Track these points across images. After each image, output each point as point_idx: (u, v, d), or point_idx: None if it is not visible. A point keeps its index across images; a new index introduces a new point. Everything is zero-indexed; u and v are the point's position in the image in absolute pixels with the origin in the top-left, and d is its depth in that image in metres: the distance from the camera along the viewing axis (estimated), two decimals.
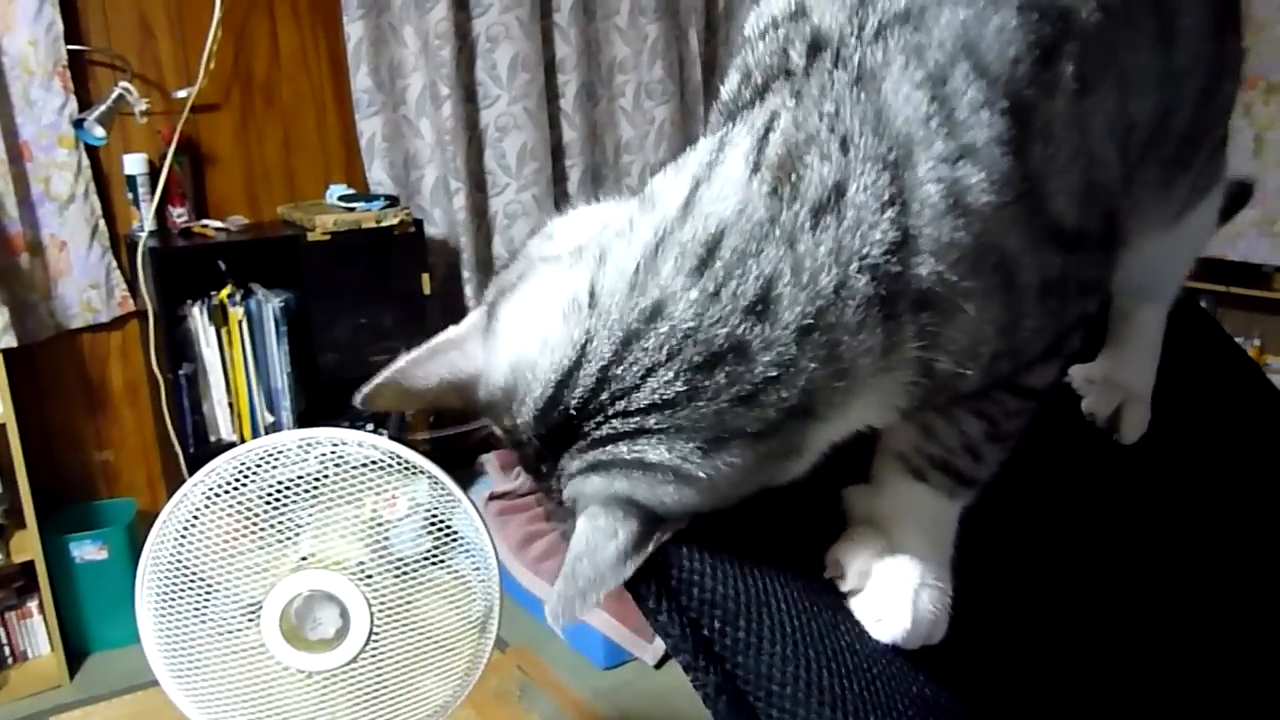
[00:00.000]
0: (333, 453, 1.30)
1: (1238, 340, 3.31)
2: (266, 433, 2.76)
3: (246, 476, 1.27)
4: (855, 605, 0.41)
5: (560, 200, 3.49)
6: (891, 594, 0.42)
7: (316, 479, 1.29)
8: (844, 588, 0.41)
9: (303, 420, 2.82)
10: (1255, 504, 0.72)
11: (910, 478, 0.46)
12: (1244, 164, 3.49)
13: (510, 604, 1.39)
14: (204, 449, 2.71)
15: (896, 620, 0.41)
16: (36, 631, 2.60)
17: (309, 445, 1.29)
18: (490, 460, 3.37)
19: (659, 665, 2.47)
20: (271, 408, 2.77)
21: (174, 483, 2.75)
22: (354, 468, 1.31)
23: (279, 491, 1.28)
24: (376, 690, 1.29)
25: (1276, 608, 0.72)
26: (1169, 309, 0.66)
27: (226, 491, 1.26)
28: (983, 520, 0.48)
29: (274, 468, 1.27)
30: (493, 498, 3.08)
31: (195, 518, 1.24)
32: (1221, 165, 0.65)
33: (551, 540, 2.80)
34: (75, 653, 2.62)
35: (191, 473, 2.62)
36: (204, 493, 1.26)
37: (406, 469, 1.34)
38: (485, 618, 1.35)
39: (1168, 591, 0.62)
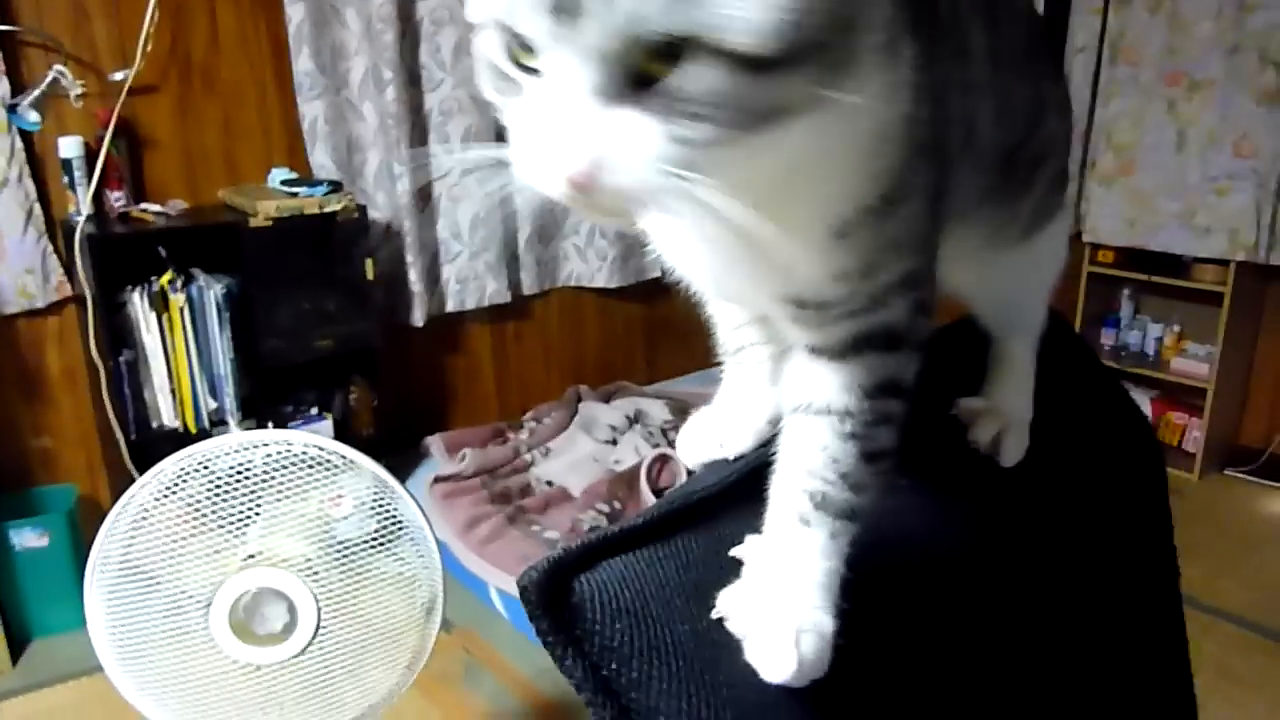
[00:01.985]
0: (278, 452, 1.34)
1: (1157, 326, 3.46)
2: (210, 418, 2.77)
3: (193, 476, 1.30)
4: (746, 648, 0.46)
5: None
6: (775, 639, 0.46)
7: (262, 478, 1.33)
8: (734, 631, 0.47)
9: (245, 406, 2.82)
10: (1120, 513, 0.80)
11: (796, 524, 0.51)
12: (1168, 159, 3.63)
13: (455, 586, 1.45)
14: (146, 435, 2.71)
15: (782, 663, 0.46)
16: None
17: (255, 445, 1.32)
18: (435, 443, 3.41)
19: None
20: (214, 393, 2.77)
21: (115, 469, 2.75)
22: (299, 467, 1.35)
23: (225, 491, 1.31)
24: (324, 681, 1.34)
25: (1140, 614, 0.81)
26: (1036, 341, 0.74)
27: (174, 491, 1.29)
28: (875, 548, 0.54)
29: (220, 468, 1.30)
30: (438, 480, 3.11)
31: (143, 517, 1.27)
32: (1062, 198, 0.72)
33: (495, 524, 2.85)
34: (16, 640, 2.61)
35: (134, 459, 2.64)
36: (152, 493, 1.29)
37: (350, 467, 1.38)
38: (430, 609, 1.40)
39: (1044, 605, 0.70)
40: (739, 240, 0.45)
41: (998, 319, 0.74)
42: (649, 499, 2.93)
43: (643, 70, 0.37)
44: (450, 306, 3.44)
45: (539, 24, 0.37)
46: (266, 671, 1.31)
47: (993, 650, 0.64)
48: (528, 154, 0.40)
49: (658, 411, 3.52)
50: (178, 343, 2.68)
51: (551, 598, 0.40)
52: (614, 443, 3.39)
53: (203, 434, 2.77)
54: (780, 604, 0.48)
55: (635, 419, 3.50)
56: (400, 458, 3.29)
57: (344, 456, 1.36)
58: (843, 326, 0.52)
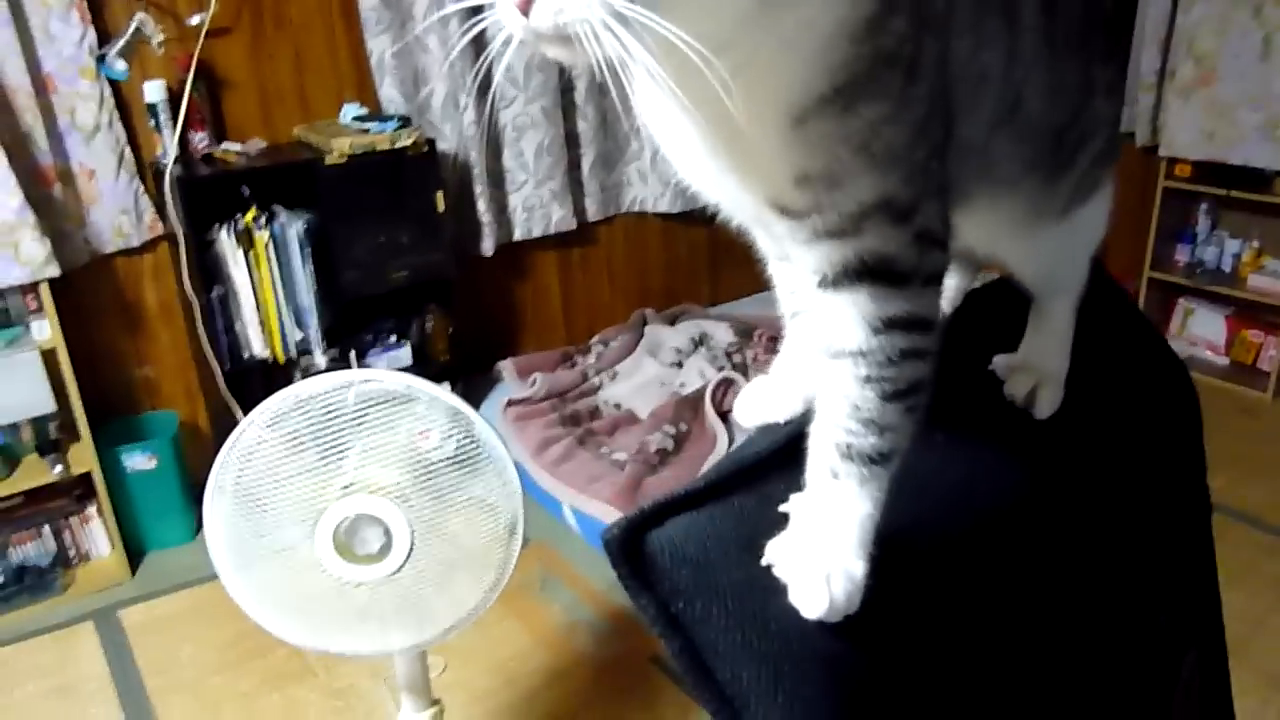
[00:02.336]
0: (371, 391, 1.45)
1: (1235, 241, 3.39)
2: (296, 348, 2.92)
3: (293, 413, 1.42)
4: (788, 590, 0.54)
5: (569, 110, 3.55)
6: (811, 581, 0.53)
7: (356, 414, 1.45)
8: (779, 576, 0.55)
9: (329, 336, 2.97)
10: (1155, 459, 0.86)
11: (828, 477, 0.57)
12: (1251, 67, 3.49)
13: (530, 504, 1.56)
14: (239, 364, 2.88)
15: (815, 602, 0.53)
16: (97, 535, 2.83)
17: (347, 385, 1.43)
18: (507, 367, 3.54)
19: None
20: (300, 324, 2.92)
21: (211, 396, 2.94)
22: (390, 404, 1.46)
23: (324, 425, 1.43)
24: (418, 595, 1.47)
25: (1173, 567, 0.87)
26: (1077, 300, 0.78)
27: (277, 425, 1.42)
28: (914, 496, 0.61)
29: (317, 406, 1.42)
30: (510, 404, 3.25)
31: (251, 453, 1.40)
32: (1105, 173, 0.74)
33: (566, 445, 2.98)
34: (133, 553, 2.85)
35: (230, 387, 2.81)
36: (259, 427, 1.42)
37: (435, 403, 1.49)
38: (512, 530, 1.52)
39: (1077, 549, 0.76)
40: (708, 113, 0.49)
41: (1037, 283, 0.78)
42: (715, 422, 3.03)
43: None
44: (518, 235, 3.53)
45: None
46: (366, 587, 1.45)
47: (1025, 593, 0.71)
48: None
49: (722, 334, 3.59)
50: (264, 278, 2.82)
51: (629, 550, 0.48)
52: (679, 365, 3.47)
53: (290, 363, 2.93)
54: (816, 551, 0.55)
55: (700, 342, 3.58)
56: (475, 382, 3.43)
57: (429, 394, 1.46)
58: (834, 248, 0.54)
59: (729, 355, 3.44)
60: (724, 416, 3.10)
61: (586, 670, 2.42)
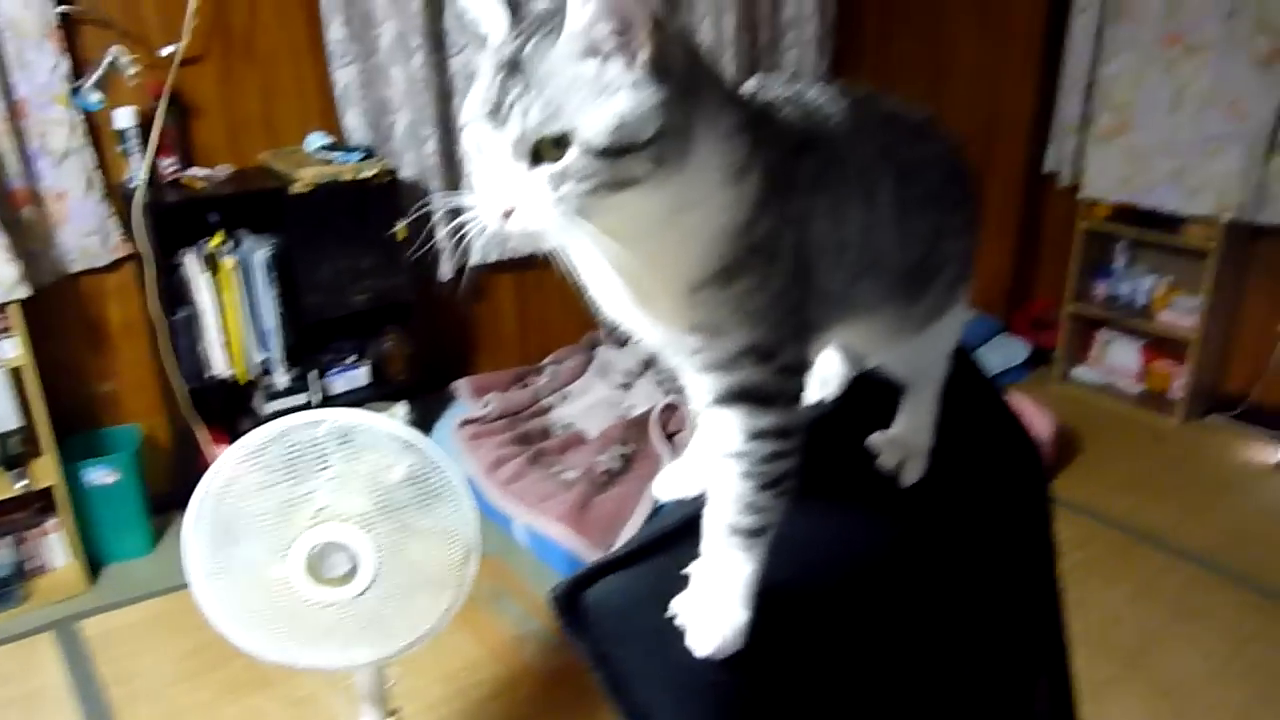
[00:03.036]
0: (340, 427, 1.59)
1: (1149, 278, 3.64)
2: (260, 368, 3.03)
3: (271, 446, 1.56)
4: (687, 634, 0.69)
5: None
6: (704, 627, 0.69)
7: (326, 448, 1.59)
8: (680, 624, 0.70)
9: (290, 356, 3.08)
10: (1004, 517, 1.04)
11: (720, 546, 0.72)
12: (1163, 119, 3.75)
13: (483, 520, 1.71)
14: (201, 383, 2.98)
15: (708, 642, 0.68)
16: (55, 547, 2.91)
17: (320, 422, 1.57)
18: (462, 386, 3.67)
19: None
20: (262, 345, 3.03)
21: (173, 413, 3.04)
22: (355, 439, 1.60)
23: (297, 458, 1.57)
24: (380, 616, 1.61)
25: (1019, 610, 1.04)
26: (939, 386, 0.95)
27: (254, 460, 1.55)
28: (797, 549, 0.77)
29: (291, 440, 1.56)
30: (464, 423, 3.38)
31: (229, 484, 1.53)
32: (956, 296, 0.91)
33: (518, 465, 3.13)
34: (93, 564, 2.93)
35: (196, 405, 2.90)
36: (235, 462, 1.55)
37: (398, 440, 1.63)
38: (467, 557, 1.67)
39: (936, 595, 0.93)
40: (629, 279, 0.68)
41: (905, 377, 0.95)
42: (660, 445, 3.19)
43: (543, 152, 0.60)
44: (475, 260, 3.67)
45: (484, 125, 0.61)
46: (334, 608, 1.59)
47: (893, 633, 0.88)
48: (480, 199, 0.63)
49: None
50: (228, 300, 2.92)
51: (568, 604, 0.64)
52: (628, 387, 3.63)
53: (252, 382, 3.04)
54: (709, 604, 0.70)
55: (648, 364, 3.74)
56: (431, 401, 3.56)
57: (394, 435, 1.61)
58: (718, 378, 0.71)
59: (674, 379, 3.60)
60: (670, 438, 3.27)
61: (534, 681, 2.57)
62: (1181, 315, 3.98)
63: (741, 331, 0.68)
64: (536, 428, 3.41)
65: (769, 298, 0.67)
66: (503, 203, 0.61)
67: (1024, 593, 1.05)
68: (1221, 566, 3.08)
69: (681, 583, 0.71)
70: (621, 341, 3.97)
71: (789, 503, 0.73)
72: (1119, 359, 4.33)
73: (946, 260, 0.87)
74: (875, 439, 0.94)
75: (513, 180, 0.61)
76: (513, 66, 0.60)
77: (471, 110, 0.62)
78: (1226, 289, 3.87)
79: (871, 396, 0.95)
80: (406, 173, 3.38)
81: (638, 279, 0.67)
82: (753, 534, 0.72)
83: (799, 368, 0.73)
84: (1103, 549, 3.18)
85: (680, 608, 0.70)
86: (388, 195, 3.12)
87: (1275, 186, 3.58)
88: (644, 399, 3.49)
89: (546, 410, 3.55)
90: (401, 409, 3.32)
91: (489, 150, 0.62)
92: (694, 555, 0.73)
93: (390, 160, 3.33)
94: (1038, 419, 3.51)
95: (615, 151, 0.59)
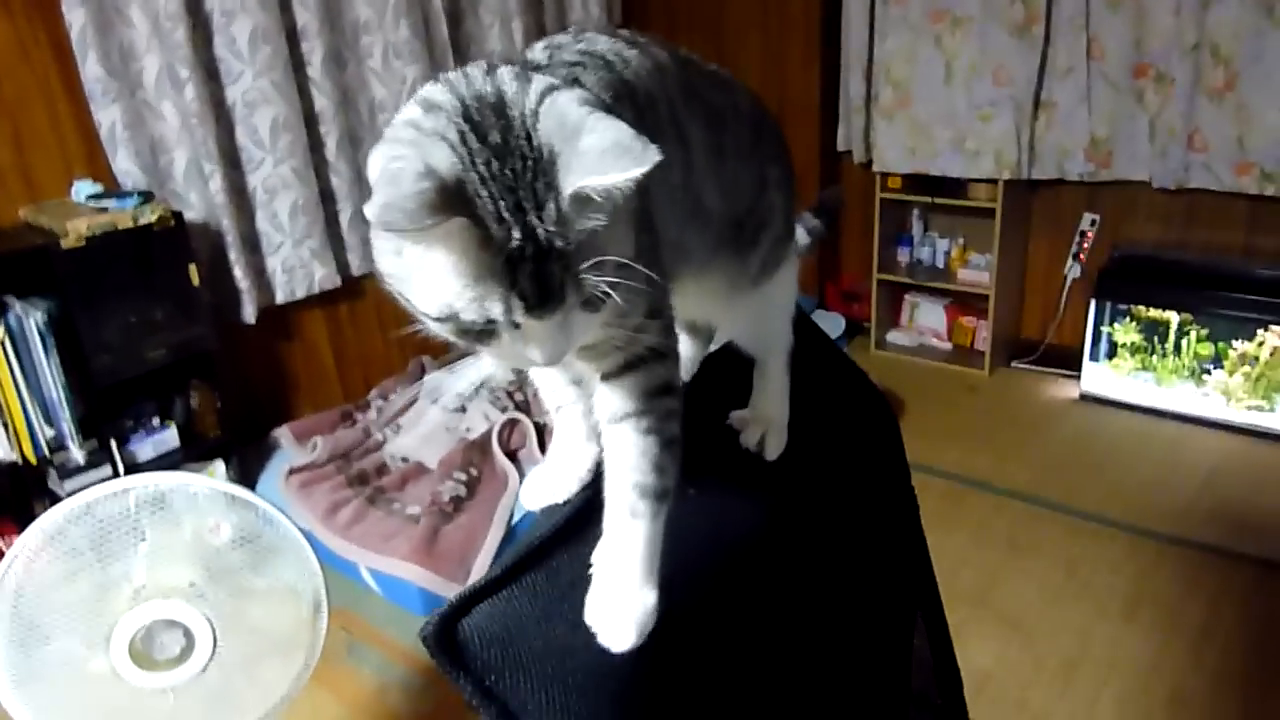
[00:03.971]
0: (147, 492, 1.43)
1: (945, 241, 3.89)
2: (49, 445, 2.73)
3: (70, 527, 1.38)
4: (598, 635, 0.64)
5: (320, 168, 3.52)
6: (610, 616, 0.65)
7: (136, 518, 1.42)
8: (589, 624, 0.65)
9: (84, 426, 2.80)
10: (867, 476, 1.04)
11: (627, 517, 0.68)
12: (938, 91, 3.98)
13: (326, 571, 1.58)
14: None
15: (622, 638, 0.64)
16: None
17: (124, 491, 1.41)
18: (284, 433, 3.45)
19: None
20: (49, 419, 2.74)
21: None
22: (169, 504, 1.45)
23: (104, 534, 1.40)
24: (226, 691, 1.46)
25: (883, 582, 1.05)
26: (787, 357, 0.95)
27: (52, 544, 1.37)
28: (676, 540, 0.74)
29: (96, 517, 1.39)
30: (292, 471, 3.18)
31: (26, 578, 1.35)
32: (786, 251, 0.92)
33: (356, 507, 2.97)
34: None
35: None
36: (31, 549, 1.36)
37: (216, 495, 1.49)
38: (316, 609, 1.54)
39: (813, 561, 0.92)
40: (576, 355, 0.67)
41: (751, 345, 0.94)
42: (504, 463, 3.11)
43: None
44: (280, 298, 3.46)
45: (524, 316, 0.58)
46: (172, 692, 1.43)
47: (781, 599, 0.86)
48: (520, 359, 0.61)
49: (502, 374, 3.67)
50: (2, 375, 2.62)
51: (443, 640, 0.57)
52: (463, 410, 3.52)
53: (43, 462, 2.74)
54: (616, 592, 0.67)
55: (481, 384, 3.64)
56: (250, 454, 3.33)
57: (214, 492, 1.46)
58: (620, 356, 0.70)
59: (510, 395, 3.53)
60: (512, 456, 3.19)
61: None
62: (977, 272, 4.25)
63: (641, 298, 0.66)
64: (371, 465, 3.25)
65: (647, 255, 0.65)
66: (555, 351, 0.61)
67: (895, 538, 1.06)
68: (1043, 499, 3.31)
69: (565, 592, 0.65)
70: (449, 366, 3.85)
71: (680, 469, 0.71)
72: (927, 320, 4.58)
73: (773, 213, 0.88)
74: (735, 417, 0.92)
75: (559, 334, 0.60)
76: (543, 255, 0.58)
77: (491, 310, 0.58)
78: (1013, 243, 4.16)
79: (724, 374, 0.93)
80: (193, 214, 3.14)
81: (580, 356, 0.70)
82: (659, 497, 0.70)
83: (673, 321, 0.74)
84: (937, 500, 3.34)
85: (588, 609, 0.66)
86: (174, 240, 2.89)
87: (1041, 144, 3.89)
88: (481, 419, 3.39)
89: (379, 445, 3.39)
90: (219, 467, 3.09)
91: (527, 325, 0.59)
92: (574, 561, 0.68)
93: (172, 202, 3.09)
94: None
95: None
